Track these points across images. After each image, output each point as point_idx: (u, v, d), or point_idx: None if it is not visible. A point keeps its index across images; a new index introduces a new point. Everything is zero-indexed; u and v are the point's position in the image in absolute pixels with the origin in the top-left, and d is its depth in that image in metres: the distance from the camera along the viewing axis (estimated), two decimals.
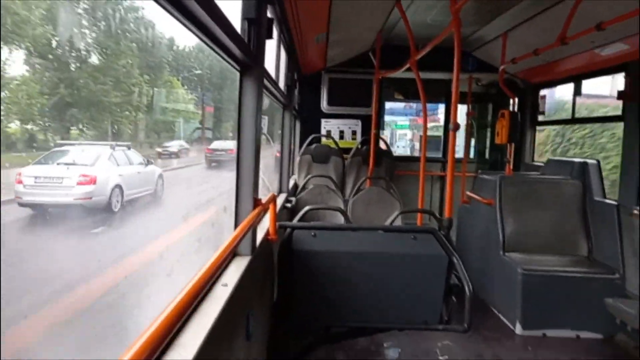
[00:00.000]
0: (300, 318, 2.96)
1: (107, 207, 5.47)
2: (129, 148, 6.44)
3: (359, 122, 6.43)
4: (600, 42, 3.95)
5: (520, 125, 6.00)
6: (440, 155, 6.85)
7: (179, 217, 6.95)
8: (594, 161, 4.58)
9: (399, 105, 14.64)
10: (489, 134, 7.00)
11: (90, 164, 5.46)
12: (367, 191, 5.03)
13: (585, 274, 3.98)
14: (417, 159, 6.36)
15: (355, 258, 2.99)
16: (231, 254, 1.73)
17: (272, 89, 3.24)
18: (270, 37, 2.25)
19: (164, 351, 1.16)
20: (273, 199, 2.59)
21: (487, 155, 6.98)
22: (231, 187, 2.23)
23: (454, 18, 2.97)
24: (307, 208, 3.26)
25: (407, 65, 4.41)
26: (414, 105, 14.46)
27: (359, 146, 6.10)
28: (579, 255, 4.40)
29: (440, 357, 3.55)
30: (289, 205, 4.62)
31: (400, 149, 16.22)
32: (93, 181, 5.25)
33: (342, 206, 4.87)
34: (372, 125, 5.67)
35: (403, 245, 3.01)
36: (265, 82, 2.60)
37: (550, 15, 3.90)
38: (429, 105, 8.34)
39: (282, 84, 4.08)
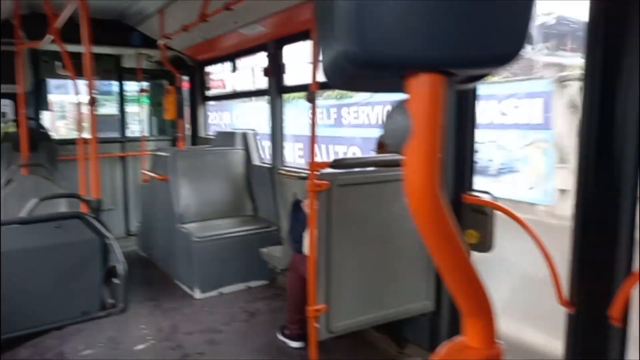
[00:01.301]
0: None
1: None
2: None
3: (10, 102, 5.43)
4: (242, 22, 4.37)
5: (192, 101, 6.24)
6: (118, 134, 6.49)
7: None
8: (251, 131, 5.15)
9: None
10: None
11: None
12: (21, 182, 4.33)
13: (250, 231, 4.48)
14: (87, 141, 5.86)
15: None
16: None
17: None
18: None
19: None
20: None
21: (168, 133, 7.00)
22: None
23: None
24: None
25: (51, 37, 3.91)
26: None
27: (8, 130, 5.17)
28: (247, 215, 4.93)
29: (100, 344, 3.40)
30: None
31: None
32: None
33: None
34: (22, 105, 4.86)
35: (47, 236, 2.70)
36: None
37: None
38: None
39: None
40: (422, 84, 0.52)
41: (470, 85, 0.59)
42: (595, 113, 2.10)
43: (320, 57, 0.59)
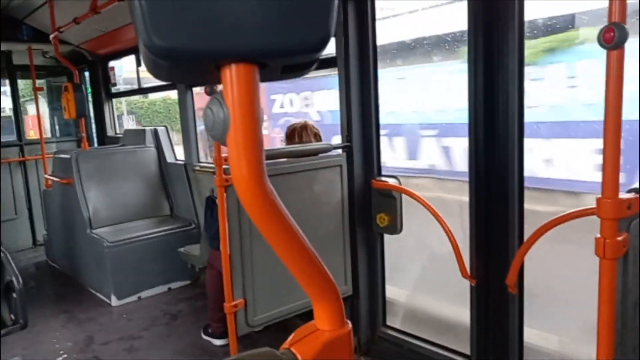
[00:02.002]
0: None
1: None
2: None
3: None
4: None
5: (96, 99, 5.88)
6: (15, 137, 5.96)
7: None
8: (163, 127, 4.96)
9: None
10: None
11: None
12: None
13: (168, 232, 4.33)
14: None
15: None
16: None
17: None
18: None
19: None
20: None
21: (73, 134, 6.54)
22: None
23: None
24: None
25: None
26: None
27: None
28: (164, 215, 4.75)
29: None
30: None
31: None
32: None
33: None
34: None
35: None
36: None
37: None
38: None
39: None
40: (234, 75, 0.52)
41: (295, 75, 0.59)
42: (480, 97, 2.24)
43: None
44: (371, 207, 2.88)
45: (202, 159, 4.67)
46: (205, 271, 3.53)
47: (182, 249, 3.82)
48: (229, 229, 2.50)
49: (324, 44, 0.52)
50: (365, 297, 3.02)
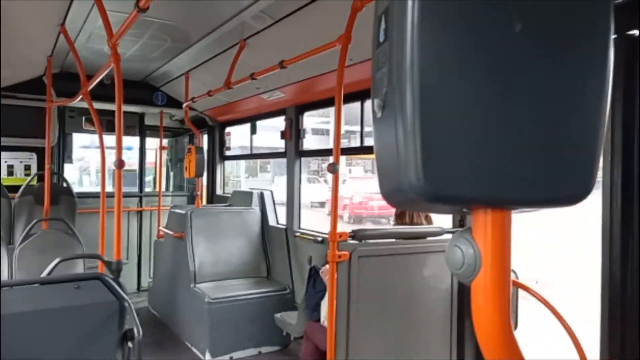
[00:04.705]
0: None
1: None
2: None
3: (34, 155, 5.60)
4: (264, 89, 4.55)
5: (211, 159, 6.37)
6: (136, 189, 6.60)
7: None
8: (268, 191, 5.21)
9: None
10: None
11: None
12: (40, 236, 4.37)
13: (263, 294, 4.43)
14: (110, 195, 5.94)
15: (2, 322, 2.50)
16: None
17: None
18: None
19: None
20: None
21: (186, 189, 7.11)
22: None
23: (112, 52, 2.89)
24: None
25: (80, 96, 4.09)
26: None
27: (31, 184, 5.27)
28: (261, 276, 4.89)
29: None
30: None
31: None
32: None
33: (6, 257, 4.09)
34: (48, 160, 5.00)
35: (65, 297, 2.69)
36: None
37: (220, 61, 4.27)
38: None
39: None
40: (490, 219, 0.52)
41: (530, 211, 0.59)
42: None
43: (376, 179, 0.60)
44: None
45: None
46: (300, 341, 3.53)
47: (278, 315, 3.86)
48: (337, 305, 2.50)
49: (584, 197, 0.52)
50: None
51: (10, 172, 5.47)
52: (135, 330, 2.66)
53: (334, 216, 2.65)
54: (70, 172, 7.18)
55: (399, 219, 3.05)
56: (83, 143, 10.57)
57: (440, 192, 0.50)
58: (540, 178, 0.51)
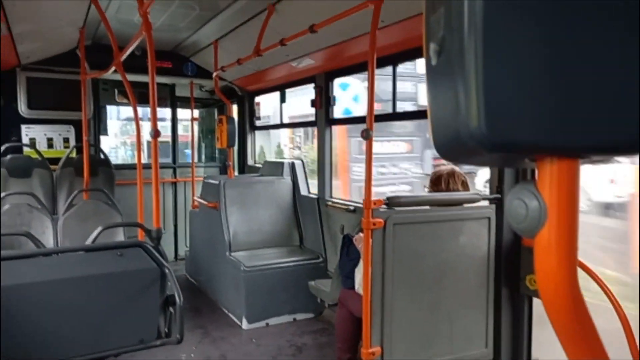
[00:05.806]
0: None
1: None
2: None
3: (72, 128, 5.74)
4: (293, 56, 4.47)
5: (241, 130, 6.38)
6: (170, 160, 6.71)
7: None
8: (299, 161, 5.20)
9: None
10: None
11: None
12: (82, 206, 4.51)
13: (297, 262, 4.48)
14: (146, 167, 6.06)
15: (51, 287, 2.61)
16: None
17: None
18: None
19: None
20: None
21: (217, 160, 7.18)
22: None
23: (144, 20, 2.87)
24: None
25: (113, 67, 4.12)
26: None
27: (70, 156, 5.42)
28: (294, 245, 4.93)
29: None
30: None
31: None
32: None
33: (50, 226, 4.26)
34: (85, 132, 5.11)
35: (109, 264, 2.78)
36: None
37: (249, 28, 4.21)
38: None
39: None
40: (556, 170, 0.48)
41: (596, 164, 0.55)
42: None
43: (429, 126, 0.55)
44: (520, 266, 2.68)
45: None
46: (334, 308, 3.56)
47: (312, 282, 3.90)
48: (372, 273, 2.49)
49: None
50: None
51: (50, 145, 5.64)
52: (177, 296, 2.74)
53: (368, 183, 2.61)
54: (105, 144, 7.33)
55: (434, 185, 2.99)
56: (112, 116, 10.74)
57: (504, 139, 0.46)
58: (610, 123, 0.46)
